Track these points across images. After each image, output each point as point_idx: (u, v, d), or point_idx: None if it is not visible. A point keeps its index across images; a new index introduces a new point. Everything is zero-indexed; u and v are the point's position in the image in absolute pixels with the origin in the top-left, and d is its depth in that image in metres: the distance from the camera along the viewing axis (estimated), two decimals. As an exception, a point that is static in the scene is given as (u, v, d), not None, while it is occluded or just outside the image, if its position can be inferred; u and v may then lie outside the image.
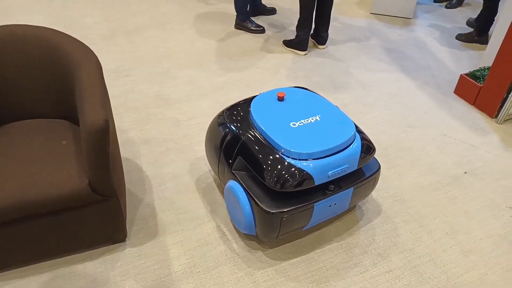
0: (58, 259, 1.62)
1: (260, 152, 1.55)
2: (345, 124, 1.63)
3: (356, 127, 1.69)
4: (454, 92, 2.77)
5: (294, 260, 1.68)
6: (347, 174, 1.62)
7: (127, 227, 1.76)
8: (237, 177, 1.61)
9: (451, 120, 2.54)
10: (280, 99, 1.72)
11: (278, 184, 1.47)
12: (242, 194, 1.58)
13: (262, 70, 2.87)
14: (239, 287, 1.56)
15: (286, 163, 1.49)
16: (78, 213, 1.50)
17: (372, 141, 2.32)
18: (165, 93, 2.60)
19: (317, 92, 2.68)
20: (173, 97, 2.57)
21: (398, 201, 1.97)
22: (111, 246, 1.69)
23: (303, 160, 1.50)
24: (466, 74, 2.71)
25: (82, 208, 1.50)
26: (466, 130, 2.45)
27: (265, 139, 1.57)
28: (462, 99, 2.72)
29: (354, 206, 1.92)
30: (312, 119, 1.64)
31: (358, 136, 1.63)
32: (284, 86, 2.76)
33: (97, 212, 1.54)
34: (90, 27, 3.25)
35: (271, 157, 1.52)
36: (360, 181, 1.64)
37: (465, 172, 2.15)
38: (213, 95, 2.60)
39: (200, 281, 1.58)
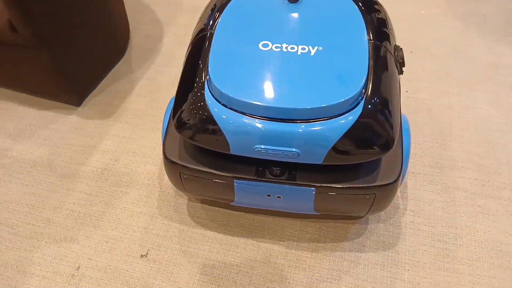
0: (7, 90, 1.51)
1: (190, 66, 0.96)
2: (348, 79, 0.85)
3: (371, 90, 0.87)
4: None
5: (209, 233, 1.15)
6: (310, 164, 0.90)
7: (92, 93, 1.50)
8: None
9: None
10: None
11: (177, 124, 0.91)
12: (166, 118, 1.08)
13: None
14: (113, 236, 1.18)
15: (198, 98, 0.89)
16: (8, 50, 1.29)
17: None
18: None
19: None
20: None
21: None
22: (64, 105, 1.47)
23: (224, 105, 0.86)
24: None
25: (11, 48, 1.28)
26: None
27: (209, 52, 0.96)
28: None
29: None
30: (304, 49, 0.91)
31: (359, 109, 0.84)
32: None
33: (29, 60, 1.30)
34: None
35: (191, 79, 0.93)
36: (329, 186, 0.92)
37: None
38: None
39: (89, 202, 1.23)
